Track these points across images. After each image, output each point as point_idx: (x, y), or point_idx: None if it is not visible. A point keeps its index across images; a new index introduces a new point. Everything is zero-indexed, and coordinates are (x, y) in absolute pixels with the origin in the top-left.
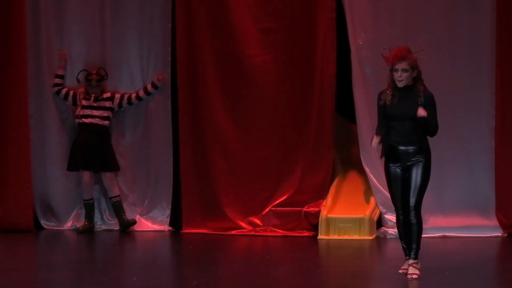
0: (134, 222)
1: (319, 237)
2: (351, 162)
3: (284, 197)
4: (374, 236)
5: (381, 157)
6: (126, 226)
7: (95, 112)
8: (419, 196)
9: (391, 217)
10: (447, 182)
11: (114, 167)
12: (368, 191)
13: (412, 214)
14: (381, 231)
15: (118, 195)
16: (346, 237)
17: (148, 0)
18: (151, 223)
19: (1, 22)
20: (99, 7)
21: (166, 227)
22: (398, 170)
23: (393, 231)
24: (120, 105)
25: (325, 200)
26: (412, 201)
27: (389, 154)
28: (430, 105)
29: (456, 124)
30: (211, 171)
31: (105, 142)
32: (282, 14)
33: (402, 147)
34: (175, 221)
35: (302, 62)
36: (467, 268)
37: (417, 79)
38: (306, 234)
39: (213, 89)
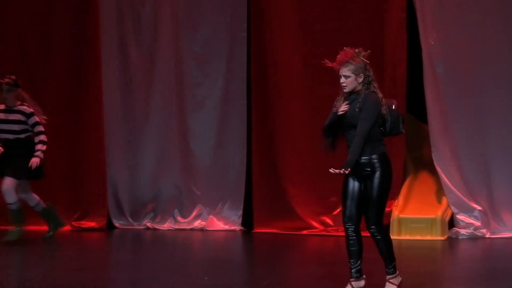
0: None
1: (391, 237)
2: (422, 162)
3: None
4: (446, 236)
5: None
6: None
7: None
8: (378, 210)
9: (463, 218)
10: None
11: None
12: (440, 191)
13: (374, 230)
14: (453, 231)
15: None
16: (417, 237)
17: (224, 6)
18: (223, 223)
19: (75, 19)
20: (172, 15)
21: (238, 227)
22: (356, 182)
23: (465, 231)
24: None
25: (396, 200)
26: (370, 216)
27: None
28: (365, 108)
29: None
30: (282, 171)
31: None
32: (352, 14)
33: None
34: (247, 221)
35: (372, 62)
36: None
37: (365, 84)
38: None
39: (284, 90)
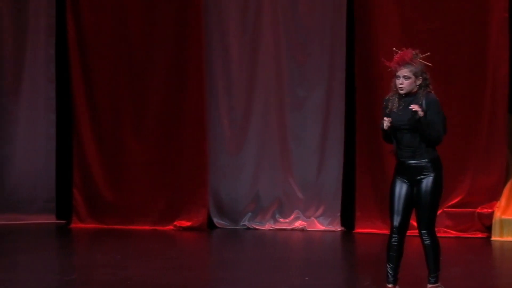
0: None
1: (493, 238)
2: None
3: (457, 199)
4: None
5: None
6: None
7: None
8: (430, 214)
9: None
10: None
11: None
12: None
13: (425, 234)
14: None
15: None
16: None
17: (324, 5)
18: (324, 224)
19: (179, 20)
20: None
21: (338, 227)
22: (405, 185)
23: None
24: None
25: (498, 202)
26: (422, 221)
27: (397, 167)
28: (432, 109)
29: None
30: (385, 171)
31: None
32: (453, 14)
33: (408, 161)
34: (347, 221)
35: (472, 62)
36: None
37: (422, 87)
38: (479, 235)
39: (387, 89)
